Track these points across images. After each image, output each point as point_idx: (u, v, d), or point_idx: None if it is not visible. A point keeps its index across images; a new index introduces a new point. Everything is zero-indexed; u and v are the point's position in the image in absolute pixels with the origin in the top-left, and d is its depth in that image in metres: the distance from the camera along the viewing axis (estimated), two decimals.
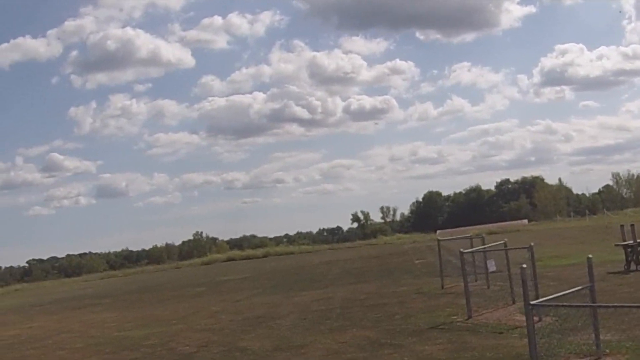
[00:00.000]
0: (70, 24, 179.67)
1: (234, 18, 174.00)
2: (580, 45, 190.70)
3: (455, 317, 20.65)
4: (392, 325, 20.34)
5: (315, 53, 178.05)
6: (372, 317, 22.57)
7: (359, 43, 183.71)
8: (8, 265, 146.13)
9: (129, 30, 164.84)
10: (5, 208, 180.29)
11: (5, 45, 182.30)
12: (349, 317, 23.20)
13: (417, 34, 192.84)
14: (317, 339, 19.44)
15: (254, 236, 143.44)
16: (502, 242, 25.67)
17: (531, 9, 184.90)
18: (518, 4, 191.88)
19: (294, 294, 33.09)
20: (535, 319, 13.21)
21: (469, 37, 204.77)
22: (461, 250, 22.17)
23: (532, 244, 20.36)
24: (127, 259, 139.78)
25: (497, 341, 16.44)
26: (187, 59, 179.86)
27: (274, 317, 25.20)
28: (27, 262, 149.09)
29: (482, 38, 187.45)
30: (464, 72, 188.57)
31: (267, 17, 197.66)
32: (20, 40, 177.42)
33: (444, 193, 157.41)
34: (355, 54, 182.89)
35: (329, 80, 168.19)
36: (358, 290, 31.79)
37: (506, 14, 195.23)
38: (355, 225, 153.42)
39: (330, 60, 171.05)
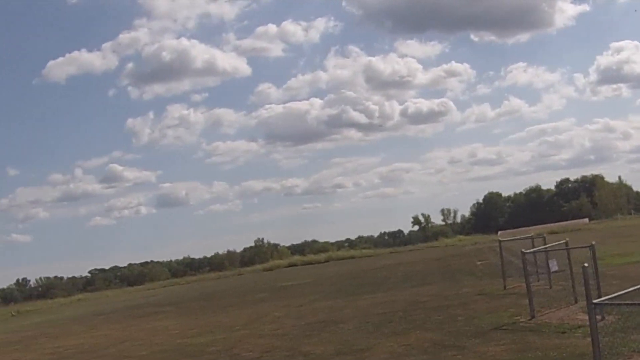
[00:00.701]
0: (124, 37, 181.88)
1: (288, 25, 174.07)
2: (636, 42, 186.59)
3: (518, 317, 20.56)
4: (455, 327, 20.31)
5: (370, 58, 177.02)
6: (435, 319, 22.55)
7: (413, 46, 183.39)
8: (70, 276, 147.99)
9: (184, 41, 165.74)
10: (66, 219, 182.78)
11: (60, 59, 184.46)
12: (411, 319, 23.20)
13: (472, 36, 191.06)
14: (380, 343, 19.48)
15: (315, 241, 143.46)
16: (563, 241, 25.44)
17: (585, 7, 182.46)
18: (571, 2, 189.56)
19: (356, 298, 33.14)
20: (598, 317, 13.14)
21: (524, 37, 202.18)
22: (522, 250, 22.07)
23: (593, 242, 20.23)
24: (189, 267, 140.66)
25: (560, 341, 16.36)
26: (242, 67, 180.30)
27: (337, 322, 25.27)
28: (89, 272, 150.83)
29: (536, 38, 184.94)
30: (520, 73, 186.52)
31: (321, 24, 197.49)
32: (75, 54, 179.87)
33: (504, 194, 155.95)
34: (410, 57, 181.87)
35: (385, 84, 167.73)
36: (420, 292, 31.75)
37: (560, 13, 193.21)
38: (416, 228, 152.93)
39: (386, 65, 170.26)
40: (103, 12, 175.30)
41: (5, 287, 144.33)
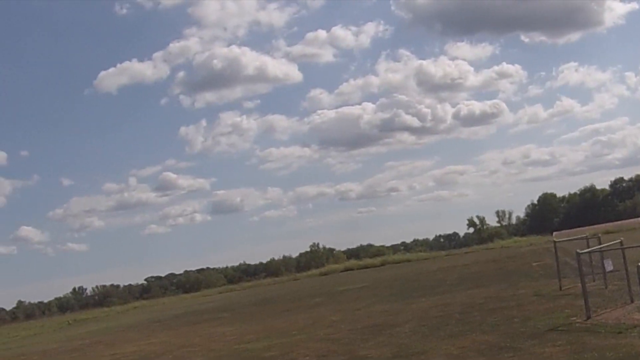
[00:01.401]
0: (175, 46, 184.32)
1: (338, 31, 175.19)
2: None
3: (574, 318, 20.52)
4: (511, 329, 20.33)
5: (421, 61, 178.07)
6: (491, 321, 22.56)
7: (464, 49, 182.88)
8: (127, 284, 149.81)
9: (235, 49, 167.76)
10: (121, 228, 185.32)
11: (112, 69, 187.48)
12: (468, 322, 23.23)
13: (522, 37, 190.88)
14: (437, 345, 19.55)
15: (370, 245, 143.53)
16: (618, 241, 25.35)
17: (634, 5, 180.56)
18: (620, 1, 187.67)
19: (412, 301, 33.19)
20: None
21: (574, 37, 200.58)
22: (577, 250, 22.03)
23: None
24: (244, 273, 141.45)
25: (617, 341, 16.34)
26: (294, 73, 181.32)
27: (393, 325, 25.37)
28: (145, 280, 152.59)
29: (587, 37, 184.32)
30: (572, 73, 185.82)
31: (371, 28, 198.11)
32: (126, 64, 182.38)
33: (559, 194, 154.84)
34: (461, 59, 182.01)
35: (437, 87, 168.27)
36: (476, 294, 31.72)
37: (609, 11, 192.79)
38: (471, 230, 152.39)
39: (437, 68, 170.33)
40: (153, 22, 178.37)
41: (61, 295, 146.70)
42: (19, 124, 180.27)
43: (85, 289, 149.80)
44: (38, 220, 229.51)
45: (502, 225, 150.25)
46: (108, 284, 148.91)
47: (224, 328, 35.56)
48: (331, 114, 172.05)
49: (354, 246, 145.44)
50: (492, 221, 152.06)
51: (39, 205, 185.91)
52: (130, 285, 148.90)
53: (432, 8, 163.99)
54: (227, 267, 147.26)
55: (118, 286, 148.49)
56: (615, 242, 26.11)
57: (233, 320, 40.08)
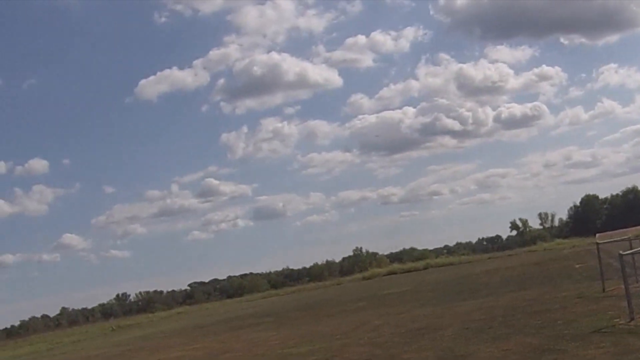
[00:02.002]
0: (215, 53, 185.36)
1: (378, 36, 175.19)
2: None
3: (617, 320, 20.45)
4: (554, 331, 20.32)
5: (461, 65, 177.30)
6: (534, 323, 22.55)
7: (504, 52, 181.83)
8: (170, 290, 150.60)
9: (274, 55, 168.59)
10: (164, 234, 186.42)
11: (152, 77, 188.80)
12: (511, 324, 23.23)
13: (561, 39, 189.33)
14: (480, 348, 19.59)
15: (413, 249, 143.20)
16: None
17: None
18: None
19: (455, 304, 33.22)
20: None
21: (613, 38, 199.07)
22: (620, 252, 21.96)
23: None
24: (288, 278, 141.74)
25: None
26: (334, 79, 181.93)
27: (436, 328, 25.42)
28: (188, 286, 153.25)
29: (626, 38, 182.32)
30: (612, 74, 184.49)
31: (410, 33, 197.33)
32: (166, 72, 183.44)
33: (601, 196, 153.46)
34: (501, 62, 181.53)
35: (477, 90, 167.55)
36: (519, 297, 31.68)
37: None
38: (514, 233, 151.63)
39: (477, 71, 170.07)
40: (192, 30, 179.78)
41: (105, 302, 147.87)
42: (60, 132, 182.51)
43: (129, 295, 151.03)
44: (81, 227, 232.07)
45: (544, 228, 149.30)
46: (151, 290, 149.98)
47: (267, 333, 35.78)
48: (372, 118, 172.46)
49: (397, 250, 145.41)
50: (534, 224, 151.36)
51: (82, 213, 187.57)
52: (173, 291, 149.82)
53: (470, 12, 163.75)
54: (270, 272, 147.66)
55: (161, 292, 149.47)
56: None
57: (276, 325, 40.31)
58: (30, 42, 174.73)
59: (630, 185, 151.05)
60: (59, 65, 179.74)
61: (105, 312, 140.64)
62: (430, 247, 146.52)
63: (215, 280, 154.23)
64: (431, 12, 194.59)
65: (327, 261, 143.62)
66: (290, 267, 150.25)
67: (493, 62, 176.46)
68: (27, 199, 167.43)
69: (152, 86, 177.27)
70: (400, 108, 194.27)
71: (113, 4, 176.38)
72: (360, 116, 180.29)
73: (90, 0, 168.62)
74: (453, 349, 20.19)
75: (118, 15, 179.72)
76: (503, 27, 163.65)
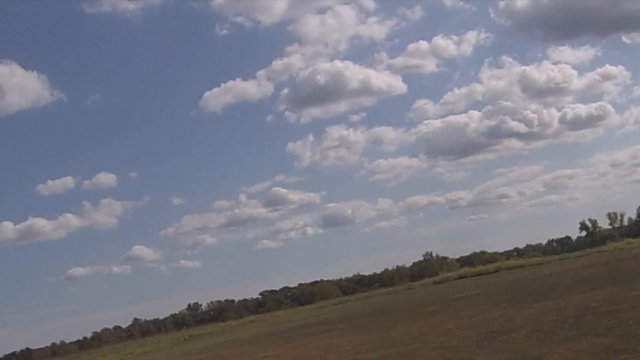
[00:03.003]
0: (278, 63, 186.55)
1: (440, 41, 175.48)
2: None
3: None
4: (626, 331, 20.30)
5: (524, 67, 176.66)
6: (606, 324, 22.51)
7: (566, 52, 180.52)
8: (241, 298, 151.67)
9: (337, 63, 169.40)
10: (234, 244, 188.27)
11: (216, 89, 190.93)
12: (582, 325, 23.22)
13: (624, 38, 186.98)
14: (552, 349, 19.65)
15: (483, 252, 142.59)
16: None
17: None
18: None
19: (526, 306, 33.18)
20: None
21: None
22: None
23: None
24: (359, 284, 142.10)
25: None
26: (398, 85, 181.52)
27: (508, 331, 25.48)
28: (260, 294, 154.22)
29: None
30: None
31: (472, 37, 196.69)
32: (230, 83, 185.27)
33: None
34: (564, 63, 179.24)
35: (541, 92, 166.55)
36: (590, 298, 31.53)
37: None
38: (583, 233, 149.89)
39: (541, 73, 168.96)
40: (254, 42, 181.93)
41: (177, 312, 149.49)
42: (127, 146, 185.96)
43: (200, 305, 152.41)
44: (151, 239, 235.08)
45: (614, 228, 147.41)
46: (223, 299, 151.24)
47: (339, 339, 36.07)
48: (437, 123, 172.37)
49: (467, 254, 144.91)
50: (604, 224, 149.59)
51: (151, 224, 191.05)
52: (245, 299, 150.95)
53: (531, 14, 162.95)
54: (341, 279, 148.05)
55: (233, 301, 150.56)
56: None
57: (348, 331, 40.59)
58: (94, 58, 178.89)
59: None
60: (123, 80, 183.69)
61: (177, 322, 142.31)
62: (500, 250, 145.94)
63: (286, 288, 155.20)
64: (492, 16, 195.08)
65: (397, 266, 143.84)
66: (361, 274, 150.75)
67: (556, 63, 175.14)
68: (96, 213, 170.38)
69: (216, 98, 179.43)
70: (465, 112, 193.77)
71: (175, 18, 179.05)
72: (425, 121, 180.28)
73: (153, 15, 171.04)
74: (525, 351, 20.28)
75: (180, 30, 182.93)
76: (564, 27, 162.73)
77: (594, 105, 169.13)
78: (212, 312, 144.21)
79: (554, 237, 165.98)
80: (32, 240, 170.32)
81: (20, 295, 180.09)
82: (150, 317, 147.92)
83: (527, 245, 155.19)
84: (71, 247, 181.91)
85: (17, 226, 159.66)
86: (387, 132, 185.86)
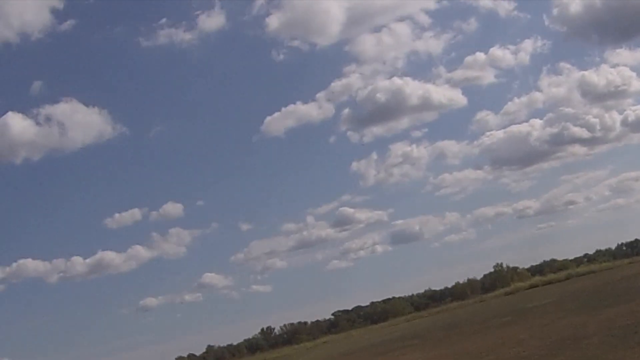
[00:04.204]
0: (337, 84, 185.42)
1: (497, 51, 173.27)
2: None
3: None
4: None
5: (583, 72, 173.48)
6: None
7: (624, 55, 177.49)
8: (314, 320, 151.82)
9: (396, 80, 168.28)
10: (304, 266, 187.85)
11: (277, 114, 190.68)
12: None
13: None
14: (627, 355, 19.73)
15: (554, 260, 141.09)
16: None
17: None
18: None
19: (599, 312, 33.12)
20: None
21: None
22: None
23: None
24: (431, 299, 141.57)
25: None
26: (458, 98, 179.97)
27: (581, 337, 25.56)
28: (332, 314, 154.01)
29: None
30: None
31: (528, 45, 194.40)
32: (291, 107, 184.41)
33: None
34: (622, 66, 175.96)
35: (601, 96, 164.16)
36: None
37: None
38: None
39: (600, 77, 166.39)
40: (312, 64, 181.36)
41: (250, 337, 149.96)
42: (192, 175, 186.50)
43: (274, 329, 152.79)
44: (220, 266, 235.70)
45: None
46: (295, 321, 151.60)
47: (414, 355, 36.36)
48: (500, 134, 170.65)
49: (537, 262, 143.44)
50: None
51: (220, 251, 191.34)
52: (317, 320, 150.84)
53: (585, 18, 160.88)
54: (412, 295, 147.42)
55: (306, 323, 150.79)
56: None
57: (423, 346, 40.82)
58: (153, 90, 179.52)
59: None
60: (184, 110, 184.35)
61: (250, 346, 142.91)
62: (570, 257, 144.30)
63: (359, 307, 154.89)
64: (546, 23, 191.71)
65: (468, 279, 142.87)
66: (432, 288, 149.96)
67: (614, 66, 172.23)
68: (165, 243, 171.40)
69: (278, 122, 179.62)
70: (527, 121, 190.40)
71: (231, 46, 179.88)
72: (487, 132, 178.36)
73: (209, 44, 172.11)
74: (599, 357, 20.40)
75: (237, 57, 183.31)
76: (620, 29, 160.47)
77: None
78: (285, 335, 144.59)
79: (624, 241, 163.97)
80: (102, 273, 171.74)
81: (95, 328, 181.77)
82: (224, 343, 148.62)
83: (597, 251, 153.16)
84: (142, 278, 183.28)
85: (87, 260, 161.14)
86: (450, 146, 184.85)
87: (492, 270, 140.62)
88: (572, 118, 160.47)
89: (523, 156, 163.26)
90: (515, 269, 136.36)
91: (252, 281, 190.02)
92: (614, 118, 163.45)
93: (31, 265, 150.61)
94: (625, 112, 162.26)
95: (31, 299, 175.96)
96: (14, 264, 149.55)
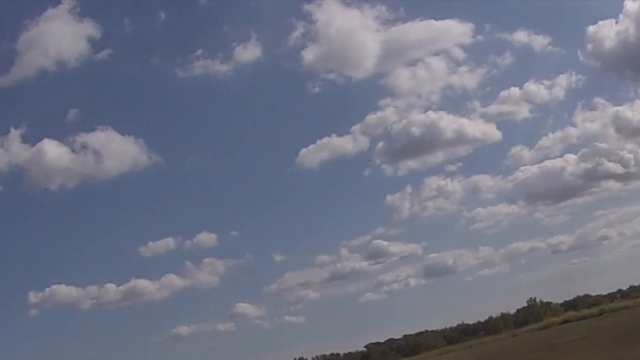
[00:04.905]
0: (372, 118, 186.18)
1: (531, 86, 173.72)
2: None
3: None
4: None
5: (617, 107, 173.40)
6: None
7: None
8: (347, 352, 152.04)
9: (431, 114, 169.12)
10: (337, 298, 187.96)
11: (312, 146, 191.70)
12: None
13: None
14: None
15: (587, 295, 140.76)
16: None
17: None
18: None
19: (632, 348, 33.37)
20: None
21: None
22: None
23: None
24: (463, 333, 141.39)
25: None
26: (492, 132, 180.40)
27: None
28: (365, 347, 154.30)
29: None
30: None
31: (563, 80, 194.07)
32: (325, 140, 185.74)
33: None
34: None
35: (636, 131, 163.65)
36: None
37: None
38: None
39: (634, 112, 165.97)
40: (347, 97, 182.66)
41: None
42: (226, 206, 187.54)
43: None
44: (254, 296, 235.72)
45: None
46: (328, 353, 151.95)
47: None
48: (534, 169, 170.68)
49: (571, 298, 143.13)
50: None
51: (254, 281, 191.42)
52: (350, 352, 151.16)
53: (619, 54, 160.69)
54: (445, 329, 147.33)
55: (338, 354, 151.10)
56: None
57: None
58: (189, 121, 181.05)
59: None
60: (219, 141, 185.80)
61: None
62: (604, 292, 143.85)
63: (391, 339, 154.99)
64: (581, 58, 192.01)
65: (501, 314, 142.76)
66: (465, 322, 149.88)
67: None
68: (198, 272, 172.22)
69: (312, 155, 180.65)
70: (561, 156, 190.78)
71: (266, 78, 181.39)
72: (522, 167, 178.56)
73: (245, 76, 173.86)
74: None
75: (273, 89, 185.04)
76: None
77: None
78: None
79: None
80: (135, 301, 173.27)
81: (126, 355, 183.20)
82: None
83: (631, 287, 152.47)
84: (175, 307, 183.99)
85: (121, 287, 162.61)
86: (484, 180, 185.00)
87: (526, 304, 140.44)
88: (607, 153, 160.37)
89: (557, 191, 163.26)
90: (548, 304, 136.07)
91: (285, 312, 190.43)
92: None
93: (64, 291, 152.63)
94: None
95: (63, 325, 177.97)
96: (47, 289, 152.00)
